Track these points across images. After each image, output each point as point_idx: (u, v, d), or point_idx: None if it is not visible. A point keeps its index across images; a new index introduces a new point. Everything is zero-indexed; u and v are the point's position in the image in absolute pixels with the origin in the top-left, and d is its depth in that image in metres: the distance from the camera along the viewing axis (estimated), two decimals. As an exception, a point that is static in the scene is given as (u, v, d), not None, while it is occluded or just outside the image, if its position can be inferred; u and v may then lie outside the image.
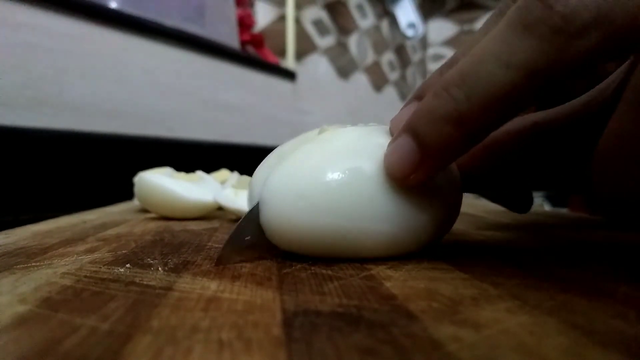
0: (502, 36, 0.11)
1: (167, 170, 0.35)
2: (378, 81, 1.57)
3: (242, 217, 0.15)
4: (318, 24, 1.26)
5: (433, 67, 1.88)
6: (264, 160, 0.18)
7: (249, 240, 0.15)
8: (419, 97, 0.16)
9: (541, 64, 0.11)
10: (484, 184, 0.21)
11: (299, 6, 1.16)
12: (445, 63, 0.16)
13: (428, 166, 0.13)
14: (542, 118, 0.18)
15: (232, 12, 0.89)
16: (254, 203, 0.16)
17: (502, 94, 0.11)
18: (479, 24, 1.76)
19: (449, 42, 1.87)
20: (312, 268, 0.14)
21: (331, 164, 0.14)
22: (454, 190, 0.16)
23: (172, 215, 0.29)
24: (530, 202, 0.23)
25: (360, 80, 1.46)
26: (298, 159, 0.15)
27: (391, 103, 1.67)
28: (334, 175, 0.14)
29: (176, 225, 0.26)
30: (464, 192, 0.18)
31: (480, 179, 0.19)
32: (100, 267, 0.14)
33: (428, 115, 0.13)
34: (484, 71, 0.12)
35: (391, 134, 0.16)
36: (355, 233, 0.14)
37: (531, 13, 0.11)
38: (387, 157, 0.14)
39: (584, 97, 0.17)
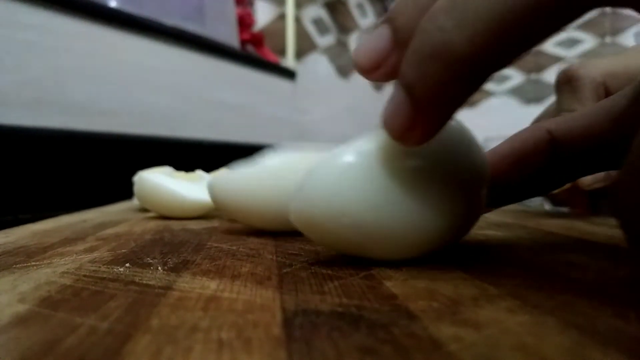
0: None
1: (167, 170, 0.34)
2: (378, 80, 1.56)
3: None
4: (318, 22, 1.26)
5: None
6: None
7: None
8: (389, 20, 0.13)
9: None
10: None
11: (298, 5, 1.16)
12: None
13: (424, 120, 0.11)
14: (557, 127, 0.16)
15: (231, 11, 0.89)
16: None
17: (506, 17, 0.09)
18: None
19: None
20: (312, 267, 0.14)
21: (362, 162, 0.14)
22: (479, 184, 0.15)
23: (171, 215, 0.29)
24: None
25: (360, 79, 1.45)
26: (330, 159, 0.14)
27: (391, 102, 1.67)
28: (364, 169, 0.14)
29: (176, 225, 0.26)
30: None
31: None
32: (100, 267, 0.14)
33: (413, 56, 0.10)
34: None
35: (353, 65, 0.13)
36: (379, 228, 0.14)
37: None
38: (383, 113, 0.12)
39: (609, 103, 0.15)
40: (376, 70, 0.12)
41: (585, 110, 0.16)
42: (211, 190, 0.22)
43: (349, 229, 0.14)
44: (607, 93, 0.26)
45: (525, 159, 0.16)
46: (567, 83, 0.27)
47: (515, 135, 0.17)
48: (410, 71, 0.11)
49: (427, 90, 0.10)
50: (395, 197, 0.13)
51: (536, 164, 0.16)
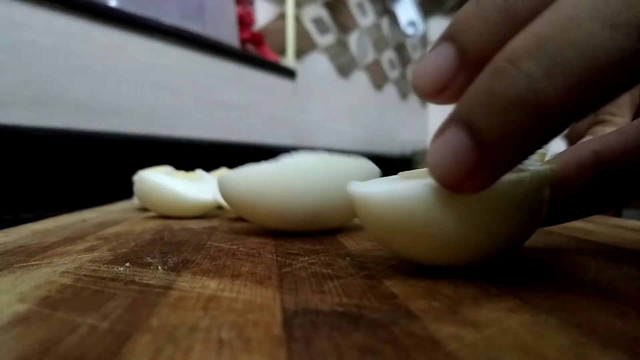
0: None
1: (167, 169, 0.35)
2: (378, 80, 1.56)
3: None
4: (318, 22, 1.26)
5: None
6: None
7: None
8: (451, 37, 0.11)
9: None
10: None
11: (298, 4, 1.16)
12: None
13: (489, 169, 0.10)
14: (603, 147, 0.14)
15: (231, 10, 0.88)
16: None
17: (602, 66, 0.08)
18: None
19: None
20: (312, 267, 0.14)
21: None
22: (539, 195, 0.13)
23: (171, 214, 0.29)
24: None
25: (361, 78, 1.46)
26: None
27: (391, 102, 1.67)
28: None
29: (176, 224, 0.26)
30: None
31: None
32: (100, 266, 0.14)
33: (488, 99, 0.09)
34: (575, 35, 0.08)
35: (413, 88, 0.12)
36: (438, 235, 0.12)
37: None
38: (432, 156, 0.10)
39: None
40: (441, 94, 0.11)
41: (632, 127, 0.15)
42: (223, 186, 0.22)
43: (417, 236, 0.13)
44: None
45: (570, 180, 0.15)
46: None
47: (560, 155, 0.16)
48: (483, 114, 0.09)
49: (502, 138, 0.09)
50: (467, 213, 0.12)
51: (581, 186, 0.15)
